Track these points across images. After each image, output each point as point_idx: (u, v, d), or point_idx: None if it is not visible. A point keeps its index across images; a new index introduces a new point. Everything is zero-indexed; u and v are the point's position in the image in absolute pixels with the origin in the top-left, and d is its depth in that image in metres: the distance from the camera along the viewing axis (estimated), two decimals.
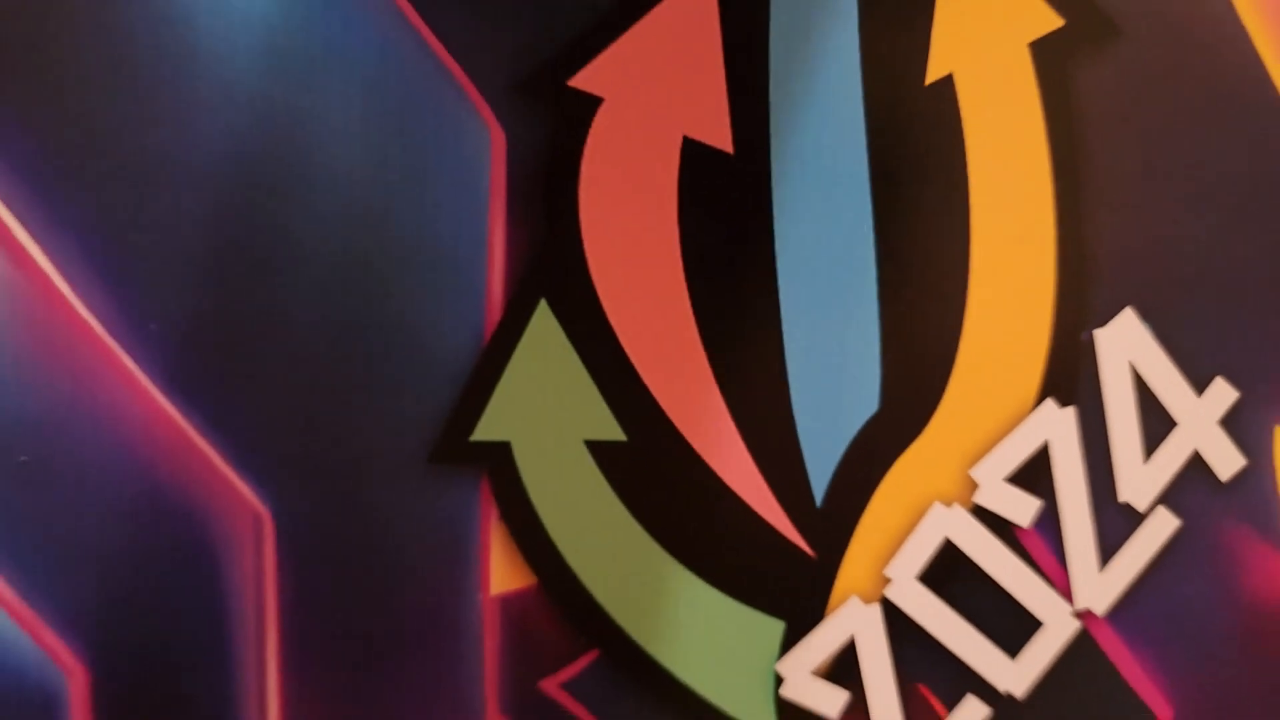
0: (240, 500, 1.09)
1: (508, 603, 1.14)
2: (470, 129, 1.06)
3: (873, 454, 1.17)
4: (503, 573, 1.14)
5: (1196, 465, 1.21)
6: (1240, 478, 1.21)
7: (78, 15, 1.00)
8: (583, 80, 1.07)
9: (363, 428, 1.09)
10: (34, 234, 1.02)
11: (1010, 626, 1.21)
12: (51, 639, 1.09)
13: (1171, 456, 1.20)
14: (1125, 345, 1.18)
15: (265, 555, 1.10)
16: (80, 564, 1.08)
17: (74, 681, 1.09)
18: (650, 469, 1.13)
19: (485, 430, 1.10)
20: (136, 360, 1.05)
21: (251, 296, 1.06)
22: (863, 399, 1.16)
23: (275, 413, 1.08)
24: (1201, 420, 1.20)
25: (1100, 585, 1.21)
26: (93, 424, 1.06)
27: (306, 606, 1.11)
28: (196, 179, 1.03)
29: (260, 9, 1.01)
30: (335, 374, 1.08)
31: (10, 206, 1.02)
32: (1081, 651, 1.22)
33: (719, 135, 1.10)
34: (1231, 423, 1.20)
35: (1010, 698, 1.21)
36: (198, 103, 1.02)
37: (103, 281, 1.04)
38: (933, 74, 1.12)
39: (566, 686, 1.17)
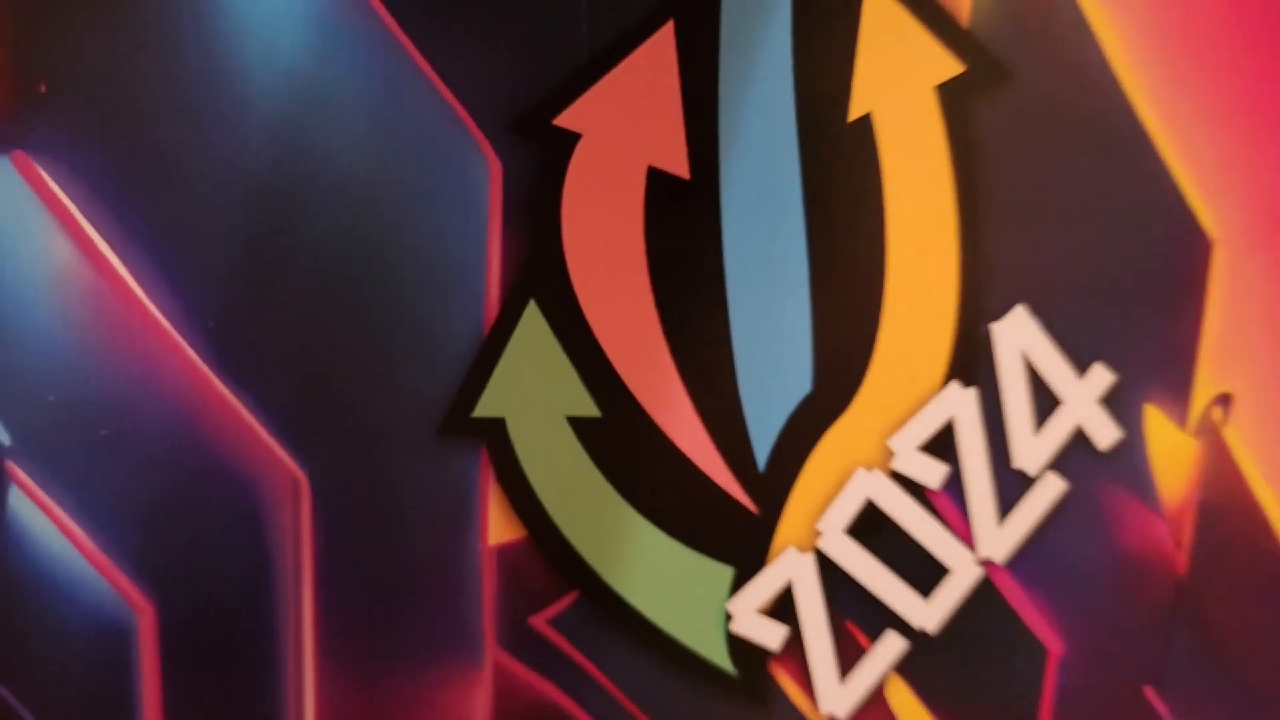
0: (281, 466, 1.28)
1: (503, 552, 1.33)
2: (472, 160, 1.24)
3: (806, 427, 1.34)
4: (499, 526, 1.32)
5: (1080, 437, 1.38)
6: (1117, 448, 1.38)
7: (150, 66, 1.18)
8: (565, 119, 1.24)
9: (383, 406, 1.28)
10: (113, 246, 1.21)
11: (923, 572, 1.38)
12: (124, 583, 1.28)
13: (1058, 429, 1.37)
14: (1018, 336, 1.34)
15: (302, 512, 1.29)
16: (149, 520, 1.28)
17: (143, 618, 1.29)
18: (621, 440, 1.31)
19: (484, 408, 1.29)
20: (197, 351, 1.24)
21: (292, 298, 1.25)
22: (798, 381, 1.34)
23: (311, 394, 1.27)
24: (1083, 399, 1.37)
25: (999, 538, 1.39)
26: (160, 404, 1.25)
27: (336, 555, 1.31)
28: (247, 202, 1.22)
29: (305, 67, 1.19)
30: (361, 361, 1.27)
31: (94, 223, 1.21)
32: (983, 594, 1.40)
33: (677, 164, 1.27)
34: (1109, 401, 1.37)
35: (923, 633, 1.40)
36: (249, 139, 1.21)
37: (170, 286, 1.23)
38: (854, 112, 1.28)
39: (552, 622, 1.35)
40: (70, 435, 1.24)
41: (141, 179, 1.21)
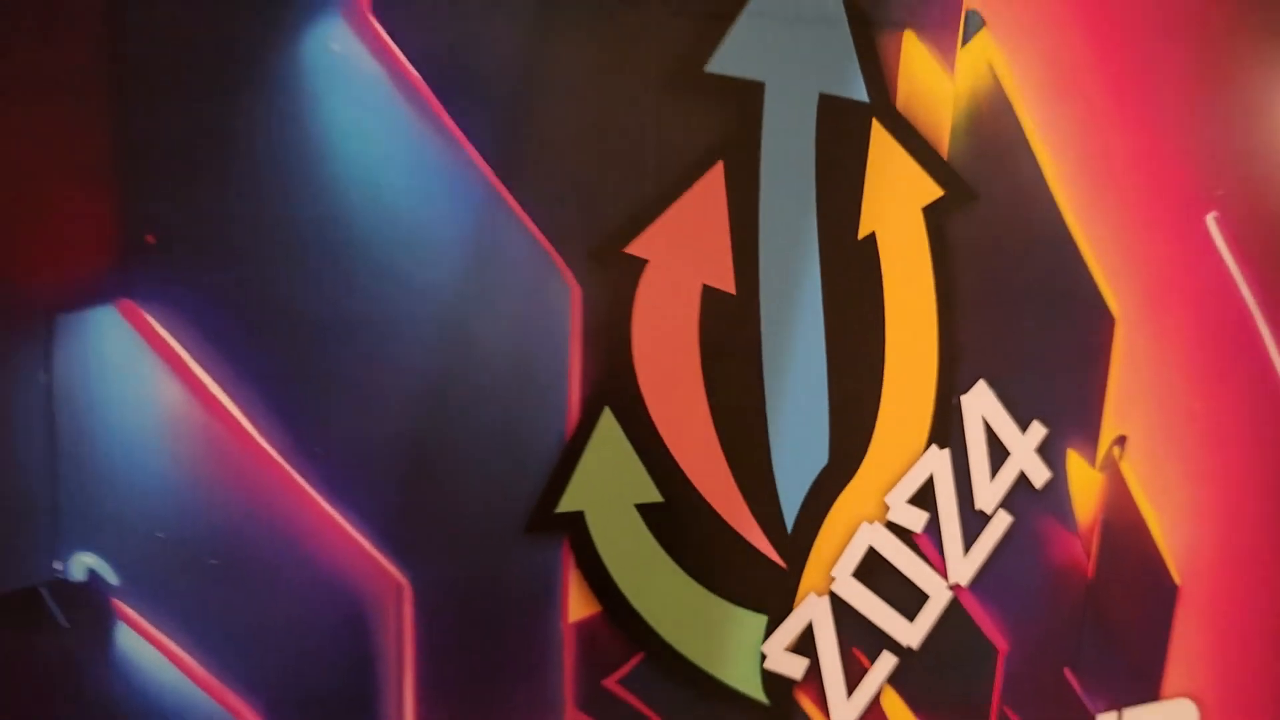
0: (385, 575, 1.37)
1: (581, 626, 1.48)
2: (557, 287, 1.37)
3: (824, 493, 1.58)
4: (578, 604, 1.47)
5: (1021, 479, 1.72)
6: (1047, 486, 1.74)
7: (259, 213, 1.22)
8: (635, 248, 1.39)
9: (477, 510, 1.39)
10: (223, 386, 1.25)
11: (909, 599, 1.67)
12: (235, 700, 1.33)
13: (1007, 475, 1.70)
14: (980, 404, 1.65)
15: (405, 615, 1.39)
16: (259, 640, 1.33)
17: None
18: (680, 519, 1.50)
19: (568, 503, 1.42)
20: (305, 476, 1.30)
21: (393, 420, 1.33)
22: (817, 456, 1.57)
23: (411, 505, 1.36)
24: (1024, 449, 1.71)
25: (964, 565, 1.70)
26: (270, 529, 1.30)
27: (436, 648, 1.41)
28: (353, 338, 1.29)
29: (408, 208, 1.27)
30: (455, 472, 1.36)
31: (204, 365, 1.23)
32: (953, 611, 1.71)
33: (725, 280, 1.46)
34: (1042, 449, 1.72)
35: (909, 648, 1.70)
36: (352, 279, 1.27)
37: (279, 419, 1.28)
38: (863, 231, 1.52)
39: (622, 682, 1.52)
40: (179, 568, 1.27)
41: (251, 321, 1.24)
